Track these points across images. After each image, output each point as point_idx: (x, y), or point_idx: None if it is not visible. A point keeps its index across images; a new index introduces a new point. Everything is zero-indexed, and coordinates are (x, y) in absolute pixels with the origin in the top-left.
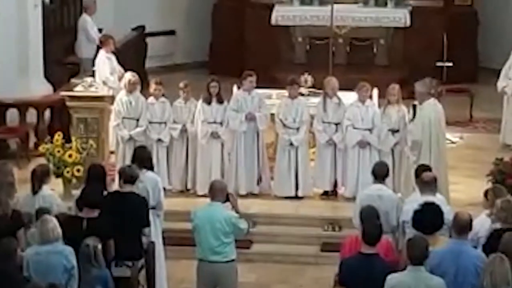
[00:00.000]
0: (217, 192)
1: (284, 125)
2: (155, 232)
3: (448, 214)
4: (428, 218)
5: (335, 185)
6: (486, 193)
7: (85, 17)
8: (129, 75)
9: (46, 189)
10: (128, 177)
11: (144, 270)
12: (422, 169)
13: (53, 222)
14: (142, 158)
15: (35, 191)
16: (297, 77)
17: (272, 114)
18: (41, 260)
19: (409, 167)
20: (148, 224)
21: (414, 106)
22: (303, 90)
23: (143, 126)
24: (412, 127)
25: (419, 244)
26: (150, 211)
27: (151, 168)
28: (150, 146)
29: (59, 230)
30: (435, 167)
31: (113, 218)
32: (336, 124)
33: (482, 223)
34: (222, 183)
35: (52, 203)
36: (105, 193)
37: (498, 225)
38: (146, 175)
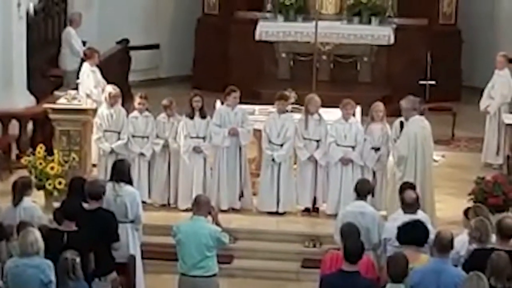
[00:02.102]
0: (202, 206)
1: (269, 141)
2: (133, 246)
3: (431, 233)
4: (410, 229)
5: (315, 201)
6: (466, 212)
7: (69, 30)
8: (109, 88)
9: (27, 201)
10: (93, 193)
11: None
12: (406, 186)
13: (34, 235)
14: (120, 171)
15: (15, 203)
16: (288, 92)
17: (255, 130)
18: (19, 272)
19: (394, 184)
20: (117, 239)
21: (402, 123)
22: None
23: (124, 139)
24: (398, 143)
25: (399, 262)
26: (129, 225)
27: (129, 181)
28: (132, 159)
29: (40, 243)
30: (421, 183)
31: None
32: (317, 141)
33: (464, 242)
34: (206, 197)
35: (33, 215)
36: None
37: (474, 245)
38: (124, 189)
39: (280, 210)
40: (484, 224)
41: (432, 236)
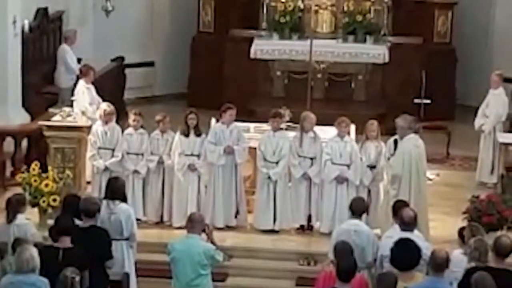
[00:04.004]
0: (196, 224)
1: (265, 159)
2: (128, 263)
3: (427, 250)
4: (404, 255)
5: (309, 219)
6: (460, 232)
7: (64, 47)
8: (104, 106)
9: (21, 218)
10: (88, 211)
11: None
12: (400, 205)
13: (30, 253)
14: (115, 189)
15: (9, 220)
16: (282, 110)
17: (250, 148)
18: None
19: (387, 203)
20: (111, 257)
21: (395, 141)
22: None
23: (118, 156)
24: (392, 161)
25: (386, 280)
26: (124, 242)
27: (124, 199)
28: (126, 177)
29: (36, 261)
30: (415, 202)
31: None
32: (311, 159)
33: (457, 260)
34: (200, 215)
35: (27, 232)
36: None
37: (473, 264)
38: (119, 207)
39: (277, 228)
40: (483, 244)
41: (428, 253)
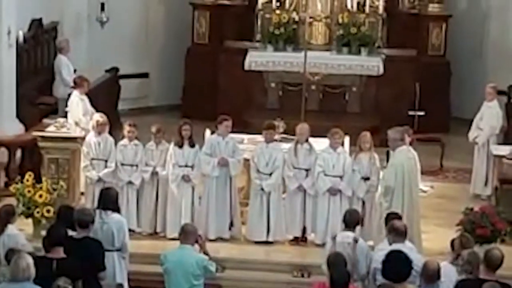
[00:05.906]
0: (189, 235)
1: (258, 170)
2: (120, 274)
3: (418, 262)
4: (395, 267)
5: (304, 231)
6: (453, 243)
7: (60, 57)
8: (97, 116)
9: (11, 229)
10: (82, 221)
11: None
12: (392, 217)
13: (26, 262)
14: (107, 199)
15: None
16: (276, 122)
17: (244, 159)
18: None
19: (381, 214)
20: (104, 268)
21: (388, 153)
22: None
23: (112, 167)
24: (384, 173)
25: None
26: (116, 253)
27: (117, 209)
28: (121, 188)
29: (31, 270)
30: (408, 214)
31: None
32: (307, 170)
33: (445, 270)
34: (193, 226)
35: (17, 243)
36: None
37: (463, 276)
38: (111, 217)
39: (270, 239)
40: (476, 257)
41: (419, 264)
